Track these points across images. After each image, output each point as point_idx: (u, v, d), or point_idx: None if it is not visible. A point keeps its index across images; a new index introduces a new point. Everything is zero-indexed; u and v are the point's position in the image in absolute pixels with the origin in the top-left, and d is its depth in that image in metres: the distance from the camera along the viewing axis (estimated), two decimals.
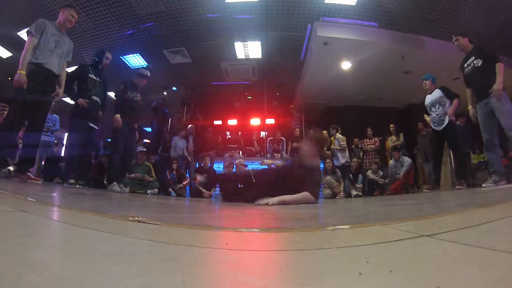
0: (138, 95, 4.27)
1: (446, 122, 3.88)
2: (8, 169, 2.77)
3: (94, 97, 3.62)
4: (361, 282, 0.44)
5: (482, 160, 6.45)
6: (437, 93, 4.05)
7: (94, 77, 3.65)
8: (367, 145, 6.68)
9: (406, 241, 0.73)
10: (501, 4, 5.03)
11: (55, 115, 5.73)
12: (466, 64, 3.49)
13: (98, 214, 1.19)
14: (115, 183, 3.84)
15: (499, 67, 3.14)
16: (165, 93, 8.70)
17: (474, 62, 3.36)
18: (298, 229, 1.17)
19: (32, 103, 2.85)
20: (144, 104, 4.84)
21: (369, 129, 6.75)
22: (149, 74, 4.47)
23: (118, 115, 3.90)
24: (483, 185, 3.32)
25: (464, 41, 3.52)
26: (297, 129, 7.13)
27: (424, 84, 4.21)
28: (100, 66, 3.77)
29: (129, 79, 4.34)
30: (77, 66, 3.82)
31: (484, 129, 3.29)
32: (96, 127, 3.74)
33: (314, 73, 6.82)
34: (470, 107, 3.54)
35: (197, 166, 6.36)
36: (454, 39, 3.59)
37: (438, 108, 3.99)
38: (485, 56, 3.30)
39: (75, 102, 3.53)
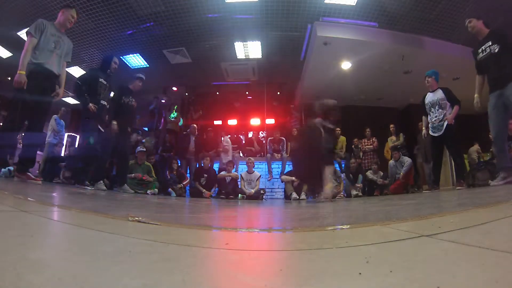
0: (133, 100, 4.32)
1: (445, 127, 3.80)
2: (9, 169, 2.78)
3: (102, 101, 3.68)
4: (361, 282, 0.44)
5: (482, 160, 6.46)
6: (439, 93, 3.93)
7: (104, 82, 3.72)
8: (365, 145, 6.68)
9: (406, 241, 0.73)
10: (501, 4, 5.03)
11: (62, 120, 5.82)
12: (480, 49, 3.19)
13: (98, 214, 1.19)
14: (101, 181, 3.88)
15: None
16: (159, 95, 8.67)
17: (491, 47, 3.05)
18: (298, 229, 1.17)
19: (32, 103, 2.85)
20: (141, 106, 4.87)
21: (367, 129, 6.73)
22: (144, 77, 4.51)
23: (115, 122, 3.99)
24: (491, 183, 3.21)
25: (479, 24, 3.22)
26: (295, 129, 7.12)
27: (426, 81, 4.07)
28: (108, 71, 3.82)
29: (124, 85, 4.38)
30: (86, 71, 3.87)
31: (493, 122, 3.05)
32: (102, 130, 3.78)
33: (314, 73, 6.82)
34: (476, 95, 3.27)
35: (197, 166, 6.37)
36: (467, 21, 3.29)
37: (438, 110, 3.90)
38: (503, 41, 2.99)
39: (86, 107, 3.55)
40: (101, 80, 3.68)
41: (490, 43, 3.09)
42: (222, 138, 6.61)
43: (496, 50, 3.02)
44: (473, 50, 3.35)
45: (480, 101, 3.22)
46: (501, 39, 3.02)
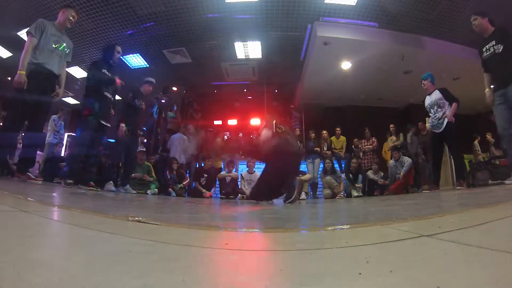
0: (143, 103, 4.35)
1: (445, 124, 3.86)
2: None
3: (106, 93, 3.50)
4: (361, 282, 0.44)
5: (482, 160, 6.45)
6: (436, 94, 4.02)
7: (107, 73, 3.53)
8: (364, 146, 6.68)
9: (406, 241, 0.73)
10: (501, 4, 5.02)
11: (61, 121, 5.85)
12: (485, 48, 3.19)
13: (98, 214, 1.19)
14: (110, 182, 3.88)
15: None
16: (159, 96, 8.67)
17: (495, 47, 3.06)
18: (298, 229, 1.17)
19: (32, 103, 2.85)
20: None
21: (366, 130, 6.73)
22: (154, 81, 4.57)
23: (123, 125, 3.89)
24: (506, 181, 3.18)
25: (484, 22, 3.19)
26: (297, 129, 7.11)
27: (422, 85, 4.18)
28: (111, 61, 3.64)
29: (136, 88, 4.36)
30: (90, 65, 3.69)
31: (500, 120, 3.04)
32: (109, 125, 3.64)
33: (314, 73, 6.82)
34: (487, 89, 3.23)
35: (197, 166, 6.37)
36: (473, 18, 3.27)
37: (437, 110, 3.97)
38: (507, 41, 2.99)
39: (85, 101, 3.46)
40: (104, 71, 3.51)
41: (494, 42, 3.09)
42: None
43: (500, 50, 3.02)
44: (478, 47, 3.32)
45: (491, 95, 3.17)
46: (505, 39, 3.02)
